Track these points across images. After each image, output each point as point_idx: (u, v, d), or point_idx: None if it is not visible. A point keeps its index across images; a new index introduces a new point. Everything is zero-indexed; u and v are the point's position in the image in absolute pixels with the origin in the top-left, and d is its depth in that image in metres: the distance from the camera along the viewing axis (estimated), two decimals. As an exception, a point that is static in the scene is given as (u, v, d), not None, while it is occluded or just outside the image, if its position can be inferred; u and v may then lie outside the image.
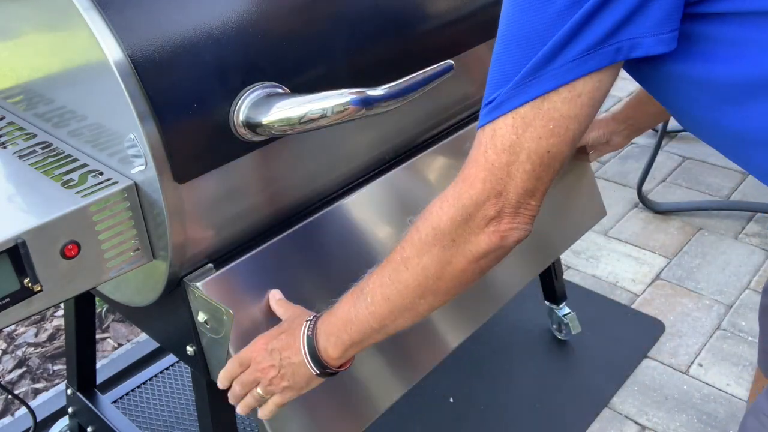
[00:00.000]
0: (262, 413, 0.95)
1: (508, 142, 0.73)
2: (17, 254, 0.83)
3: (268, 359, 0.91)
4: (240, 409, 0.96)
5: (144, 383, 1.64)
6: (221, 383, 0.97)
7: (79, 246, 0.88)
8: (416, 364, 1.27)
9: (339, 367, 0.92)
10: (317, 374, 0.91)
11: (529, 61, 0.70)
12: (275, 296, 1.04)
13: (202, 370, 1.08)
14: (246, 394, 0.95)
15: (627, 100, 1.48)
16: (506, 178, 0.74)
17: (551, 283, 1.89)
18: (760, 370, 1.14)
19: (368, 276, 0.88)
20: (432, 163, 1.29)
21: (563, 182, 1.57)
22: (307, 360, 0.89)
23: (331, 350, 0.89)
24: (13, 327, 2.19)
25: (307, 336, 0.89)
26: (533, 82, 0.70)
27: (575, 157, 1.58)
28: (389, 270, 0.84)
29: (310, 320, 0.92)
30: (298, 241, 1.10)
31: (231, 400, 0.97)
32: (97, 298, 1.37)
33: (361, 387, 1.18)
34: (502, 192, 0.75)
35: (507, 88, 0.72)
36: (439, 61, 0.96)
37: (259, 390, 0.93)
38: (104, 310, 2.24)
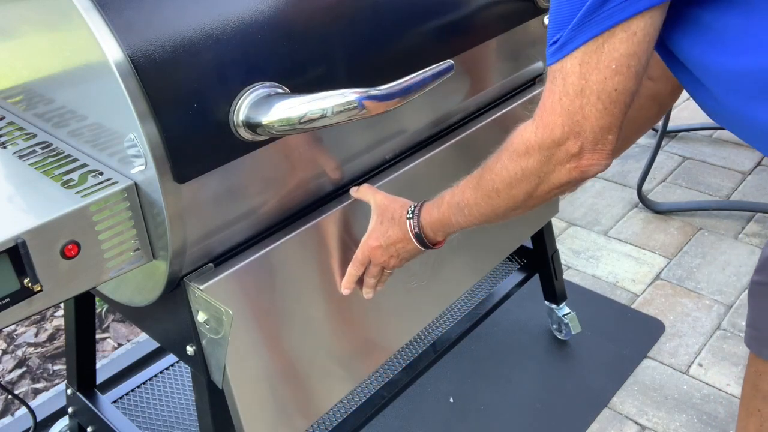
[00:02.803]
0: (381, 284, 1.21)
1: (579, 87, 0.81)
2: (17, 254, 0.83)
3: (386, 254, 1.14)
4: (369, 294, 1.20)
5: (144, 383, 1.64)
6: (348, 287, 1.18)
7: (79, 246, 0.88)
8: (383, 345, 1.34)
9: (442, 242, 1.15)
10: (426, 249, 1.14)
11: (585, 4, 0.77)
12: (354, 189, 1.19)
13: (202, 370, 1.08)
14: (377, 281, 1.19)
15: None
16: (582, 119, 0.82)
17: (551, 283, 1.89)
18: (753, 354, 1.13)
19: (462, 190, 1.03)
20: (433, 162, 1.29)
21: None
22: (420, 246, 1.12)
23: (439, 237, 1.12)
24: (13, 327, 2.19)
25: (416, 233, 1.11)
26: (591, 22, 0.78)
27: None
28: (482, 195, 0.99)
29: (411, 218, 1.11)
30: (299, 241, 1.10)
31: (366, 293, 1.20)
32: (97, 298, 1.37)
33: (331, 367, 1.23)
34: (580, 132, 0.83)
35: (568, 30, 0.79)
36: (440, 61, 0.96)
37: (386, 271, 1.18)
38: (104, 310, 2.24)
